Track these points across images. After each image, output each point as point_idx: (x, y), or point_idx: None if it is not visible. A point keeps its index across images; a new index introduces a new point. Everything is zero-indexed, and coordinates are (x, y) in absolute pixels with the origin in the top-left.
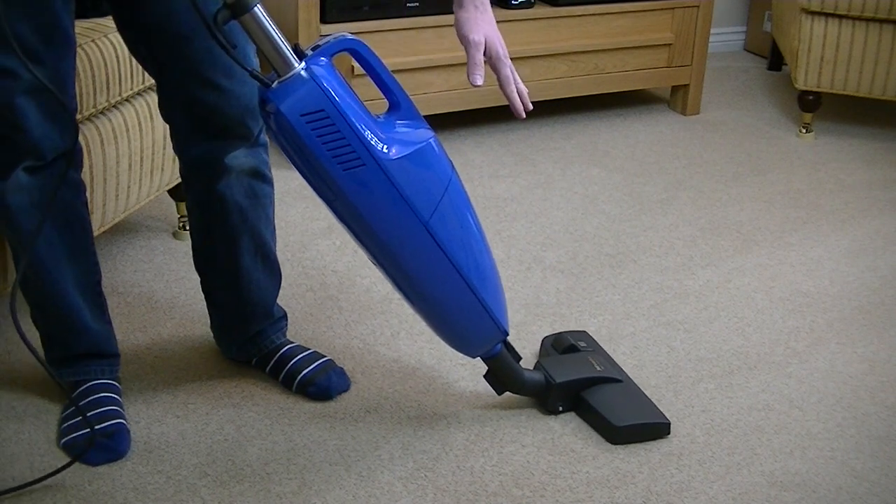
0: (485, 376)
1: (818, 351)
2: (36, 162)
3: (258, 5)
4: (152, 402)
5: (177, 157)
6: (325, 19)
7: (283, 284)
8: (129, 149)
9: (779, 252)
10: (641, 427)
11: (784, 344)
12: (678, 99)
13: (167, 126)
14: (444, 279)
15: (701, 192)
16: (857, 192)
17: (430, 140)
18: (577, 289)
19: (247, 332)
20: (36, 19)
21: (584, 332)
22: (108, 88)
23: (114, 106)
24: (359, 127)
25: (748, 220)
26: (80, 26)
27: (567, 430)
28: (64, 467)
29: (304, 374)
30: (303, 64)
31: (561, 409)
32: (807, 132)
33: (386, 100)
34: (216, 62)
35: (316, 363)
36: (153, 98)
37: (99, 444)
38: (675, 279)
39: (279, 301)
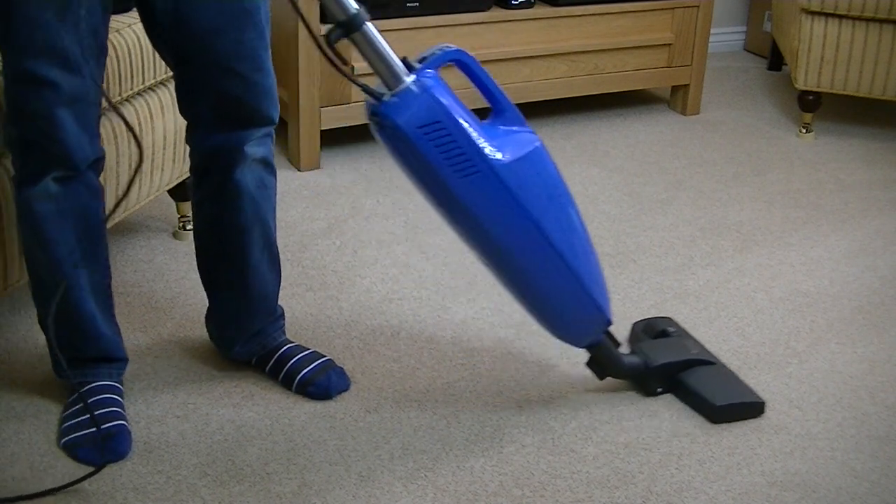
0: (587, 364)
1: (818, 351)
2: (67, 172)
3: (368, 22)
4: (152, 402)
5: (191, 149)
6: (325, 19)
7: (283, 284)
8: (129, 149)
9: (779, 252)
10: (739, 406)
11: (784, 344)
12: (678, 99)
13: (176, 122)
14: (555, 275)
15: (701, 192)
16: (857, 192)
17: (537, 143)
18: None
19: (251, 330)
20: (78, 28)
21: (670, 318)
22: (107, 89)
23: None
24: (472, 135)
25: (748, 220)
26: None
27: (567, 430)
28: (91, 474)
29: (304, 374)
30: (412, 77)
31: (660, 390)
32: (807, 132)
33: (490, 106)
34: (245, 54)
35: (316, 363)
36: (153, 98)
37: (100, 444)
38: (675, 279)
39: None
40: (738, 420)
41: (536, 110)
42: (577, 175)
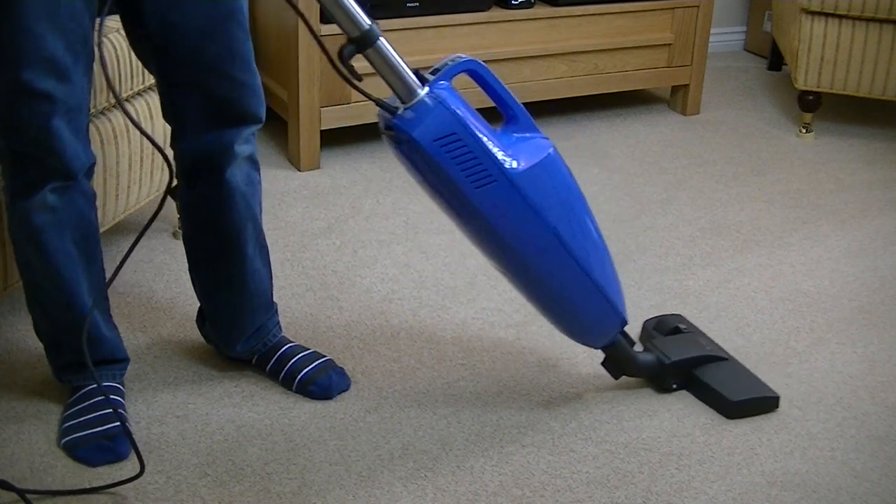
0: (603, 363)
1: (818, 351)
2: (64, 182)
3: (382, 37)
4: (152, 402)
5: (178, 153)
6: (325, 19)
7: (283, 284)
8: (129, 149)
9: (779, 252)
10: (754, 401)
11: (784, 344)
12: (678, 99)
13: (167, 126)
14: (573, 279)
15: (701, 192)
16: (857, 192)
17: (550, 150)
18: None
19: (251, 327)
20: (68, 36)
21: (680, 314)
22: (108, 89)
23: (114, 106)
24: (487, 145)
25: (748, 220)
26: None
27: (567, 430)
28: (132, 479)
29: (305, 374)
30: (426, 90)
31: (675, 386)
32: (807, 132)
33: (502, 113)
34: (234, 55)
35: (316, 363)
36: (153, 98)
37: (100, 445)
38: (675, 279)
39: (277, 298)
40: (753, 415)
41: (536, 110)
42: (578, 175)
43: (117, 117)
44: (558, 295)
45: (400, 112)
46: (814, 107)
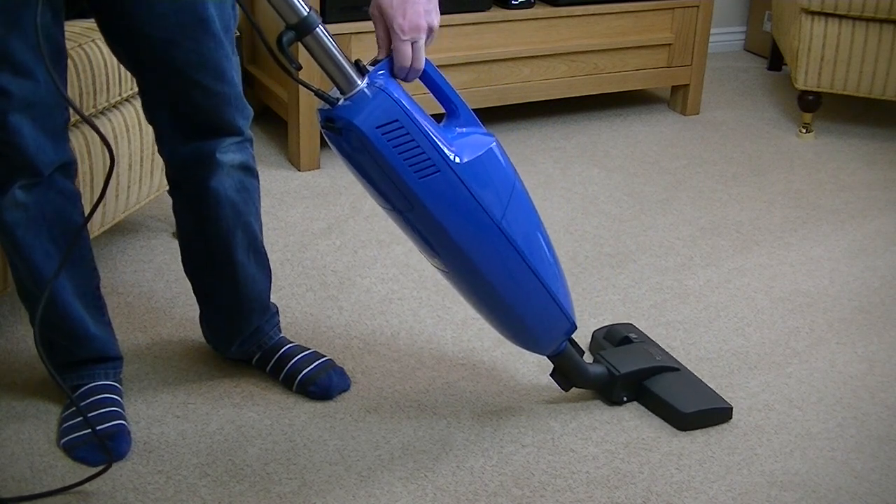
0: (551, 374)
1: (818, 351)
2: (32, 179)
3: (320, 25)
4: (152, 402)
5: (163, 160)
6: (325, 19)
7: (283, 284)
8: (129, 149)
9: (779, 252)
10: (707, 412)
11: (784, 344)
12: (678, 99)
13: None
14: (519, 277)
15: (701, 192)
16: (857, 192)
17: (493, 145)
18: (577, 289)
19: (246, 330)
20: (29, 34)
21: (631, 324)
22: (108, 89)
23: (114, 106)
24: (430, 134)
25: (748, 220)
26: (81, 27)
27: (567, 430)
28: (95, 475)
29: (305, 374)
30: (366, 79)
31: (625, 399)
32: (807, 132)
33: (444, 108)
34: (205, 65)
35: (316, 363)
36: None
37: (99, 445)
38: (675, 279)
39: (277, 298)
40: (705, 426)
41: (536, 110)
42: (577, 175)
43: (117, 117)
44: (502, 292)
45: (340, 103)
46: (814, 107)
